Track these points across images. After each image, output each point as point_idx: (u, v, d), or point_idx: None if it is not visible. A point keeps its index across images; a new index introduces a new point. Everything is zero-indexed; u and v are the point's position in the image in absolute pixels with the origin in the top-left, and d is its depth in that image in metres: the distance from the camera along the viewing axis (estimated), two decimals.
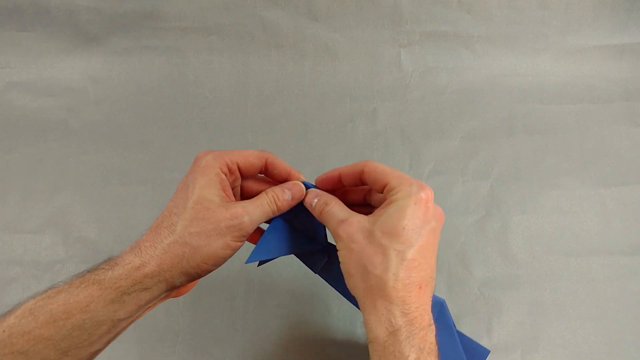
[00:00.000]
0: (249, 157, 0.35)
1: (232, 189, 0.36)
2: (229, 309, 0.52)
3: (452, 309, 0.51)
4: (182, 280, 0.32)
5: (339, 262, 0.32)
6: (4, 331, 0.26)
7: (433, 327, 0.30)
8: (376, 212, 0.31)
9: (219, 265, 0.33)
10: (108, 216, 0.56)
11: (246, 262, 0.35)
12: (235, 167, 0.35)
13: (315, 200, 0.35)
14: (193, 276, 0.32)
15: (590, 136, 0.61)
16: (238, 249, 0.33)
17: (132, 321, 0.32)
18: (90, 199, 0.57)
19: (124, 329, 0.31)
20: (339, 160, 0.60)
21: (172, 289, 0.32)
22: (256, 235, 0.38)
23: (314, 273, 0.38)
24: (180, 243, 0.31)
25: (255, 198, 0.34)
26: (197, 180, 0.33)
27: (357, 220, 0.31)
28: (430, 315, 0.30)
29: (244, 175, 0.36)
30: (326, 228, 0.35)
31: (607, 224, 0.56)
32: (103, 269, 0.30)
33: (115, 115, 0.62)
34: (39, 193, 0.58)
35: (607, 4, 0.62)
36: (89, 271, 0.30)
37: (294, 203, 0.36)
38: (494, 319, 0.51)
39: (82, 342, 0.28)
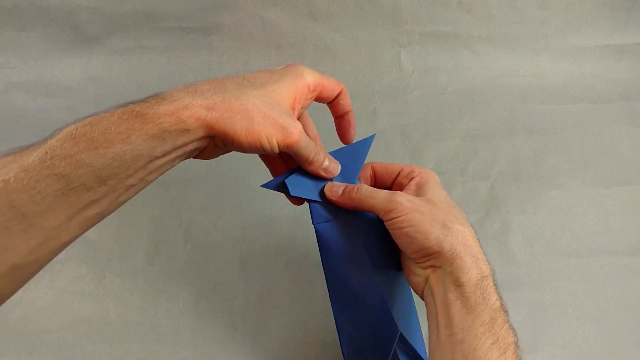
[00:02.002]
0: (332, 82, 0.37)
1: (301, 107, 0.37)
2: (229, 309, 0.52)
3: None
4: (217, 136, 0.30)
5: (399, 228, 0.34)
6: (46, 152, 0.25)
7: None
8: (407, 190, 0.37)
9: (249, 151, 0.32)
10: (108, 216, 0.56)
11: (262, 186, 0.38)
12: (319, 88, 0.36)
13: (342, 188, 0.37)
14: (228, 141, 0.31)
15: (590, 136, 0.61)
16: (272, 151, 0.33)
17: (165, 166, 0.30)
18: None
19: (155, 171, 0.30)
20: None
21: (208, 139, 0.31)
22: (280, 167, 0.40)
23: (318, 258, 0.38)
24: (242, 102, 0.30)
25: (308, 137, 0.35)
26: (286, 77, 0.33)
27: (403, 194, 0.35)
28: None
29: (317, 98, 0.38)
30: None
31: (607, 224, 0.56)
32: (148, 102, 0.29)
33: None
34: None
35: (607, 4, 0.63)
36: (133, 102, 0.29)
37: (323, 175, 0.38)
38: None
39: (120, 174, 0.27)
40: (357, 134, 0.62)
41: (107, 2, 0.61)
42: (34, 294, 0.52)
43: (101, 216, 0.29)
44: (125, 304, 0.52)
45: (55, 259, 0.29)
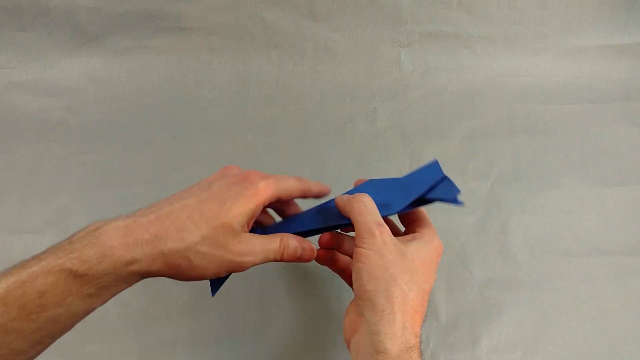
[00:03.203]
0: (292, 189, 0.35)
1: None
2: (228, 310, 0.52)
3: (452, 309, 0.51)
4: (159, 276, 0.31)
5: (356, 260, 0.32)
6: None
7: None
8: (403, 238, 0.34)
9: None
10: (108, 216, 0.56)
11: (213, 296, 0.38)
12: (276, 199, 0.35)
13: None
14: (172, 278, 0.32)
15: (590, 136, 0.61)
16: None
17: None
18: (90, 199, 0.57)
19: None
20: (338, 161, 0.60)
21: None
22: None
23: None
24: (183, 256, 0.30)
25: (267, 240, 0.34)
26: (239, 203, 0.31)
27: (389, 234, 0.33)
28: None
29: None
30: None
31: (607, 224, 0.56)
32: (87, 261, 0.27)
33: (115, 115, 0.62)
34: (39, 193, 0.58)
35: (607, 4, 0.62)
36: (64, 248, 0.28)
37: (297, 261, 0.36)
38: (494, 319, 0.51)
39: (56, 333, 0.27)
40: (358, 134, 0.62)
41: (107, 2, 0.61)
42: None
43: None
44: (125, 304, 0.52)
45: None
